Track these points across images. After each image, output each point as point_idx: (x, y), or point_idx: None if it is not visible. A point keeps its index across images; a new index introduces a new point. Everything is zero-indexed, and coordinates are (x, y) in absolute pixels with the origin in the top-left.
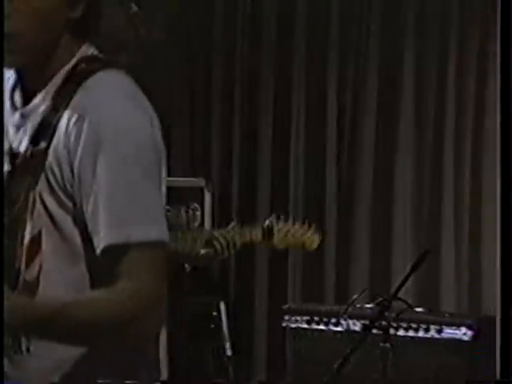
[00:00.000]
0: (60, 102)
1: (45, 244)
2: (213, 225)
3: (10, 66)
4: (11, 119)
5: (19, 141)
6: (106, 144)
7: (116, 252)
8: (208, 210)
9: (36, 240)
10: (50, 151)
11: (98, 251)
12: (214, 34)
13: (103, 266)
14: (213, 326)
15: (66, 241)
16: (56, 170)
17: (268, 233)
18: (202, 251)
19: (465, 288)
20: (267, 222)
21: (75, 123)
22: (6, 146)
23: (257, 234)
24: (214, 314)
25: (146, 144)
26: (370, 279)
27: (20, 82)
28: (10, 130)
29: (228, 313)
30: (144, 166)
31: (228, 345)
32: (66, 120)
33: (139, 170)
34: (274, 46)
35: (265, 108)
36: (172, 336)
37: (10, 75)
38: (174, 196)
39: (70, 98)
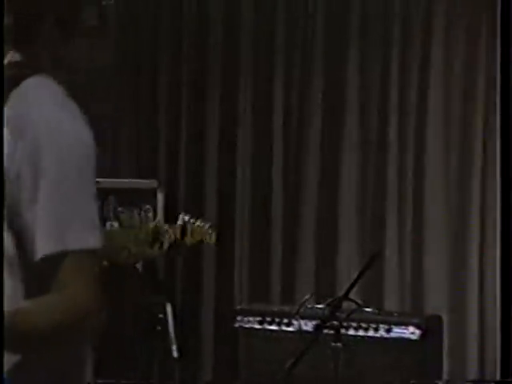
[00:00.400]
0: None
1: None
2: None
3: None
4: None
5: None
6: (47, 155)
7: (54, 260)
8: (161, 210)
9: None
10: None
11: (36, 259)
12: (159, 34)
13: (39, 274)
14: (159, 327)
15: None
16: None
17: (182, 232)
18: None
19: (409, 288)
20: (180, 222)
21: (12, 132)
22: None
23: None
24: (160, 316)
25: (83, 152)
26: (316, 279)
27: None
28: None
29: (175, 314)
30: (82, 175)
31: (174, 347)
32: (8, 126)
33: (79, 180)
34: (219, 47)
35: (211, 109)
36: (119, 337)
37: None
38: (126, 197)
39: (3, 103)
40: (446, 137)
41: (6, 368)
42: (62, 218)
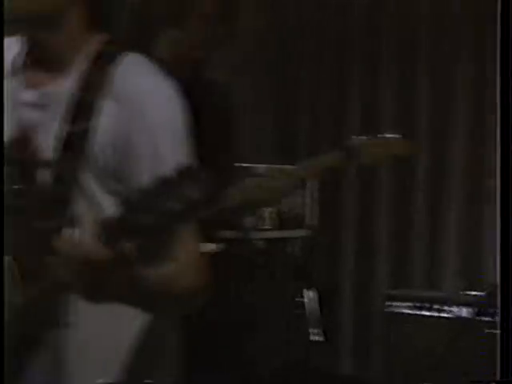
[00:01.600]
0: (95, 83)
1: None
2: None
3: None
4: (25, 96)
5: (40, 118)
6: (160, 122)
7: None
8: None
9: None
10: (92, 131)
11: None
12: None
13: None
14: (298, 311)
15: None
16: (100, 150)
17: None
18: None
19: None
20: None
21: (118, 106)
22: (19, 123)
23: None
24: (300, 299)
25: (183, 115)
26: (463, 266)
27: (29, 60)
28: (23, 106)
29: (319, 299)
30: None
31: (316, 331)
32: (107, 103)
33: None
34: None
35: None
36: (259, 322)
37: (11, 43)
38: None
39: (104, 81)
40: None
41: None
42: None
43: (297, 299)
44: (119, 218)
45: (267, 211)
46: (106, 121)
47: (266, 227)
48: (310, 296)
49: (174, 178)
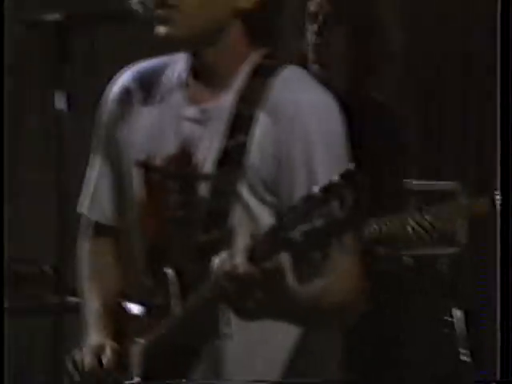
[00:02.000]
0: (252, 94)
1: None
2: None
3: (165, 36)
4: (187, 112)
5: (200, 133)
6: (317, 137)
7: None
8: None
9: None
10: (253, 143)
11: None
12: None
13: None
14: (446, 330)
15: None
16: (257, 163)
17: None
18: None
19: None
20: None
21: (276, 118)
22: (181, 139)
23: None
24: (447, 318)
25: (342, 132)
26: None
27: (192, 76)
28: (185, 122)
29: (466, 318)
30: (342, 151)
31: (465, 351)
32: (264, 115)
33: (341, 155)
34: None
35: None
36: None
37: (174, 66)
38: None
39: (264, 94)
40: None
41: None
42: None
43: (445, 318)
44: (272, 232)
45: (418, 228)
46: (263, 133)
47: (416, 243)
48: (457, 315)
49: (325, 195)
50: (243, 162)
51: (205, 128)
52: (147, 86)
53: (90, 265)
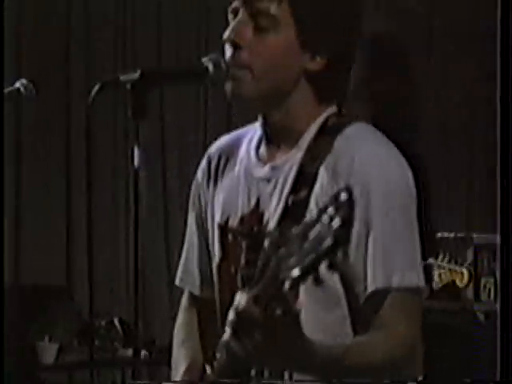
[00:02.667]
0: (317, 152)
1: (302, 292)
2: None
3: (232, 94)
4: (259, 172)
5: (270, 191)
6: (376, 194)
7: (378, 296)
8: None
9: (294, 288)
10: (312, 199)
11: (364, 296)
12: None
13: (364, 310)
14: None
15: (325, 289)
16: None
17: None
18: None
19: None
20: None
21: (336, 176)
22: (253, 198)
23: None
24: None
25: (408, 193)
26: None
27: (265, 138)
28: (257, 182)
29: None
30: (407, 215)
31: None
32: (326, 170)
33: (404, 220)
34: None
35: None
36: None
37: (253, 133)
38: None
39: (327, 152)
40: None
41: None
42: (389, 259)
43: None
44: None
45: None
46: (321, 188)
47: (486, 299)
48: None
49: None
50: (303, 218)
51: (274, 185)
52: (228, 153)
53: (178, 335)
